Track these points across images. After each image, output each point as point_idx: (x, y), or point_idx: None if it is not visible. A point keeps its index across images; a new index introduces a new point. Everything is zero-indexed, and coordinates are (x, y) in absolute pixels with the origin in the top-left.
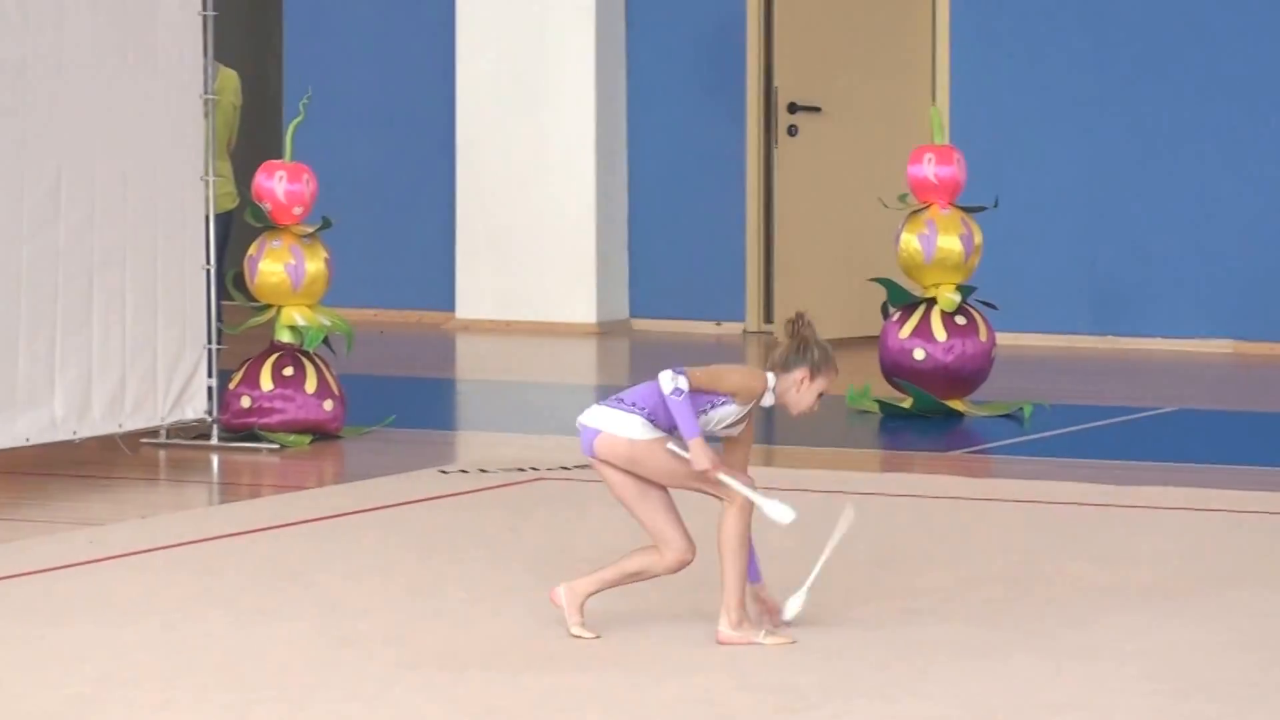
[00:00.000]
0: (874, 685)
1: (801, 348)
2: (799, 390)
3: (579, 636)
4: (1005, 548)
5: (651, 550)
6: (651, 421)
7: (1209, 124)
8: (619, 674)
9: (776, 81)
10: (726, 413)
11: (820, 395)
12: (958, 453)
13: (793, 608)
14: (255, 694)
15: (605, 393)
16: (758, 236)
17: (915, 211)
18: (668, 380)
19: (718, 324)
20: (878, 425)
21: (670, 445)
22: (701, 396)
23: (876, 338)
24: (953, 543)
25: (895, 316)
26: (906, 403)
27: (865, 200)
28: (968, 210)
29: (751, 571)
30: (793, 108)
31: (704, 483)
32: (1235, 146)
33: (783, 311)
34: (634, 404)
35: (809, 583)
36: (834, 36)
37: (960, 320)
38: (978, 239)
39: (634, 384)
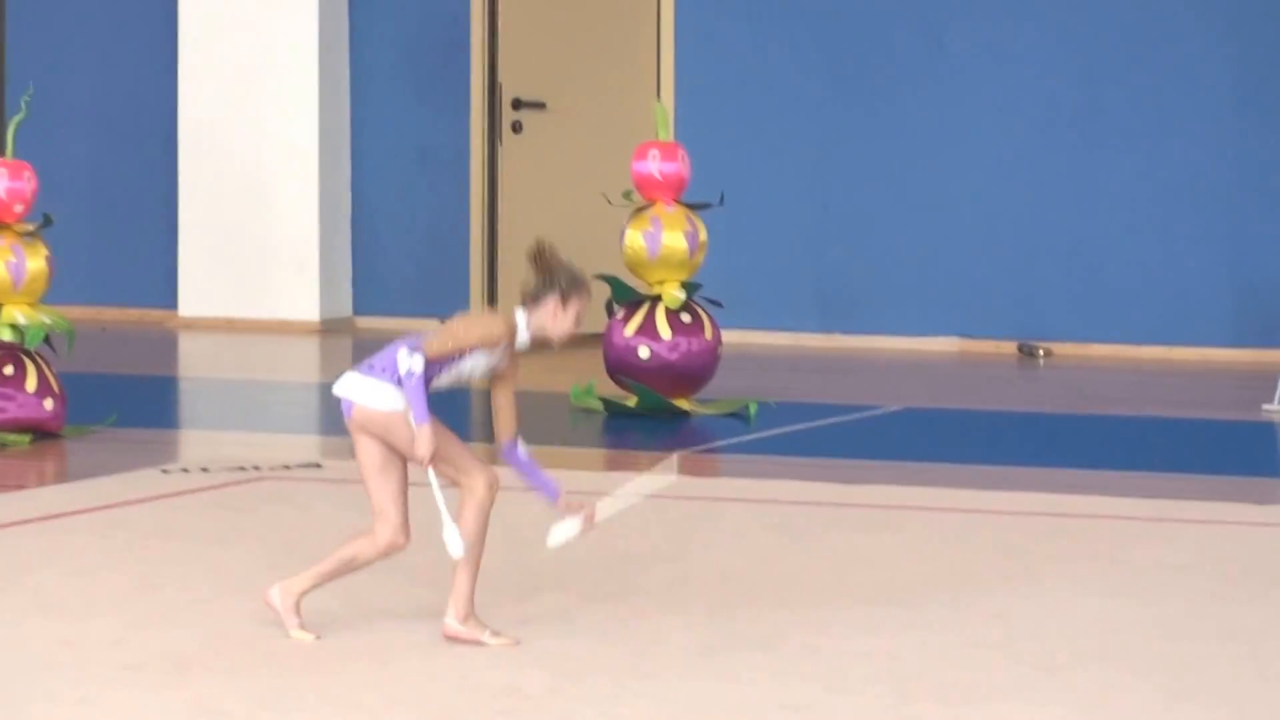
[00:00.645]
0: (597, 686)
1: (548, 277)
2: (555, 319)
3: (299, 639)
4: (731, 548)
5: (363, 535)
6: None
7: (935, 122)
8: (340, 673)
9: (501, 77)
10: (478, 363)
11: (578, 318)
12: (683, 451)
13: (560, 534)
14: None
15: (327, 393)
16: (481, 233)
17: (640, 208)
18: (404, 360)
19: (441, 320)
20: (602, 424)
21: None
22: (446, 362)
23: (601, 335)
24: (678, 542)
25: (620, 314)
26: (631, 401)
27: (590, 196)
28: (693, 207)
29: (549, 490)
30: (517, 104)
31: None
32: (961, 145)
33: (507, 307)
34: (384, 370)
35: (591, 516)
36: (558, 32)
37: (685, 318)
38: (703, 236)
39: None
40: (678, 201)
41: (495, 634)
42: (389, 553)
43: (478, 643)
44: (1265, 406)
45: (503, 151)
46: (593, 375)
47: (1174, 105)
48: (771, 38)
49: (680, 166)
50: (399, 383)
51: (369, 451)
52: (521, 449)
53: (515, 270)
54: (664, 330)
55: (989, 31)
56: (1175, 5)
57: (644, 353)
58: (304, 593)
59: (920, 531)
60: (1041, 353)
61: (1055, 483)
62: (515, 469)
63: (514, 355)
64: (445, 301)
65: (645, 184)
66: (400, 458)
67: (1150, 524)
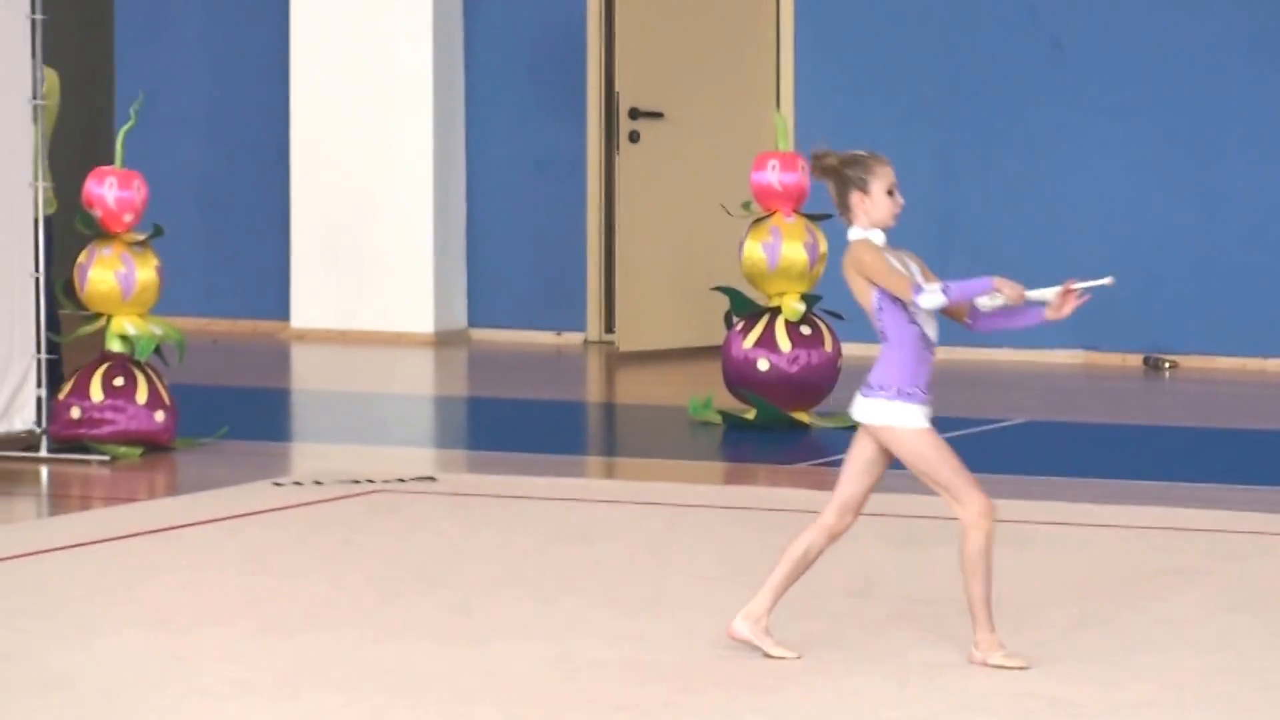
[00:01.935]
0: (716, 702)
1: (834, 180)
2: (870, 209)
3: (781, 657)
4: (847, 560)
5: (810, 527)
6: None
7: (1056, 128)
8: (457, 685)
9: (618, 86)
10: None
11: (891, 191)
12: (802, 465)
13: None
14: (80, 711)
15: (441, 405)
16: (598, 244)
17: (759, 219)
18: (927, 302)
19: (558, 334)
20: (721, 437)
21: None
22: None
23: (720, 348)
24: None
25: (739, 326)
26: (750, 414)
27: (709, 207)
28: (813, 218)
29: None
30: (634, 113)
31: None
32: (1084, 151)
33: (625, 321)
34: (879, 386)
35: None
36: (676, 41)
37: (805, 330)
38: (823, 248)
39: (470, 394)
40: (797, 212)
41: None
42: (836, 535)
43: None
44: None
45: (620, 161)
46: (711, 388)
47: None
48: (891, 45)
49: (800, 177)
50: (896, 395)
51: (863, 450)
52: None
53: (632, 283)
54: (783, 342)
55: (1109, 31)
56: None
57: (763, 365)
58: (768, 611)
59: (1044, 546)
60: (1167, 365)
61: (1181, 497)
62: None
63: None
64: (561, 315)
65: (764, 194)
66: (884, 466)
67: (1273, 538)
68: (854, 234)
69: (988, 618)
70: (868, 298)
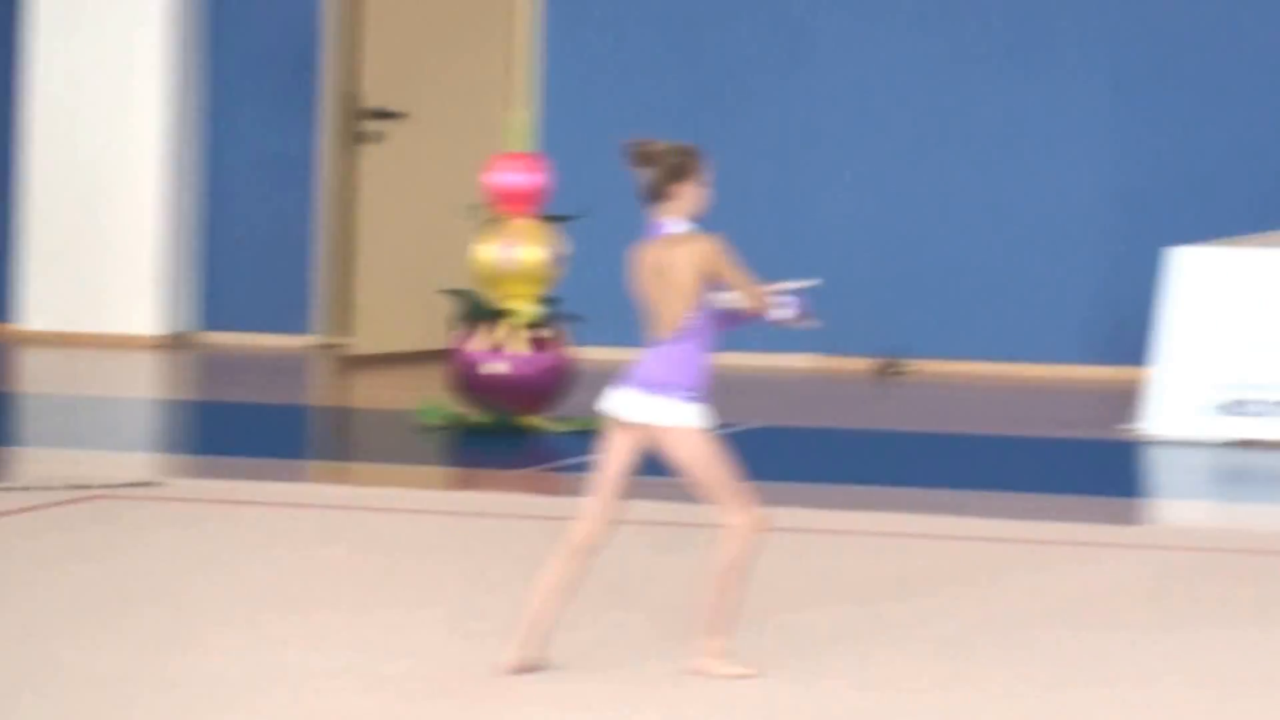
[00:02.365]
0: (440, 712)
1: (663, 168)
2: (689, 200)
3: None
4: (607, 567)
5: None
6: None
7: (797, 130)
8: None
9: (358, 86)
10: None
11: (706, 183)
12: (533, 469)
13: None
14: None
15: (170, 409)
16: (336, 247)
17: (496, 221)
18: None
19: (292, 337)
20: (452, 442)
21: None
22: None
23: (451, 350)
24: (526, 563)
25: (472, 329)
26: (483, 418)
27: (450, 208)
28: (551, 220)
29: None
30: (375, 113)
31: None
32: (822, 155)
33: (361, 325)
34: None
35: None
36: (418, 40)
37: (539, 334)
38: (561, 250)
39: (200, 398)
40: (536, 214)
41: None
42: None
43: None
44: (1122, 425)
45: (359, 162)
46: (442, 391)
47: (1045, 114)
48: (636, 45)
49: (539, 178)
50: (690, 396)
51: (626, 451)
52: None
53: (373, 286)
54: (517, 346)
55: (855, 34)
56: (1050, 16)
57: (496, 369)
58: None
59: (779, 553)
60: (900, 370)
61: (914, 502)
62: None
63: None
64: (297, 318)
65: (501, 196)
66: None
67: (1008, 545)
68: (676, 226)
69: (725, 626)
70: (692, 295)
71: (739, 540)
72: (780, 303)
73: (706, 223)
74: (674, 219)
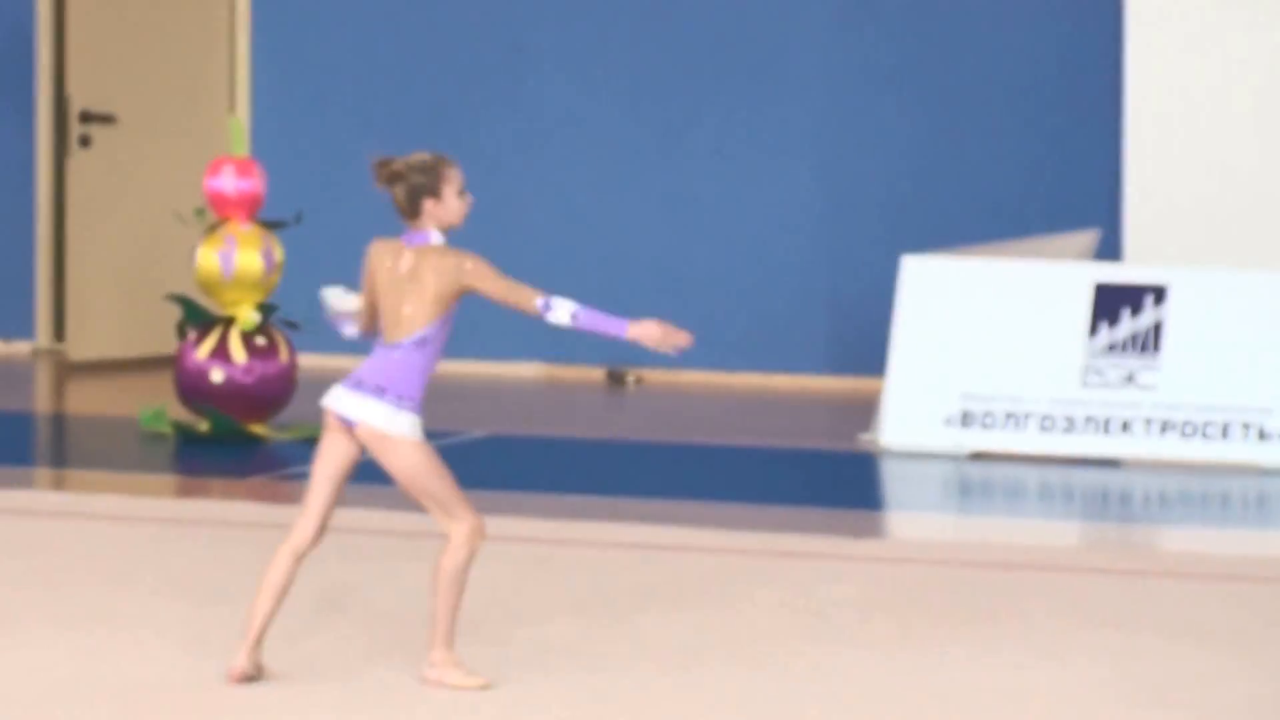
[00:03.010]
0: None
1: (406, 186)
2: (440, 214)
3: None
4: (304, 575)
5: (285, 550)
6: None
7: (516, 134)
8: None
9: (68, 89)
10: None
11: (461, 192)
12: (258, 478)
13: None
14: None
15: None
16: (49, 250)
17: (213, 227)
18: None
19: (6, 342)
20: (173, 449)
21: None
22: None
23: (173, 358)
24: (251, 572)
25: (192, 336)
26: (204, 426)
27: (164, 214)
28: (269, 226)
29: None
30: (85, 116)
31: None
32: (544, 159)
33: (75, 330)
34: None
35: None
36: (129, 43)
37: (261, 341)
38: (279, 256)
39: None
40: (253, 220)
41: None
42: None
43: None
44: (861, 435)
45: (70, 166)
46: (164, 399)
47: (769, 122)
48: (348, 48)
49: (256, 183)
50: (414, 407)
51: (341, 457)
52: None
53: (84, 291)
54: (238, 353)
55: (573, 40)
56: (770, 25)
57: (217, 376)
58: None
59: (499, 564)
60: (632, 379)
61: (643, 513)
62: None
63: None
64: (10, 323)
65: (219, 201)
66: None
67: (741, 556)
68: (435, 238)
69: (451, 634)
70: (441, 307)
71: (459, 548)
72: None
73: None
74: (431, 230)
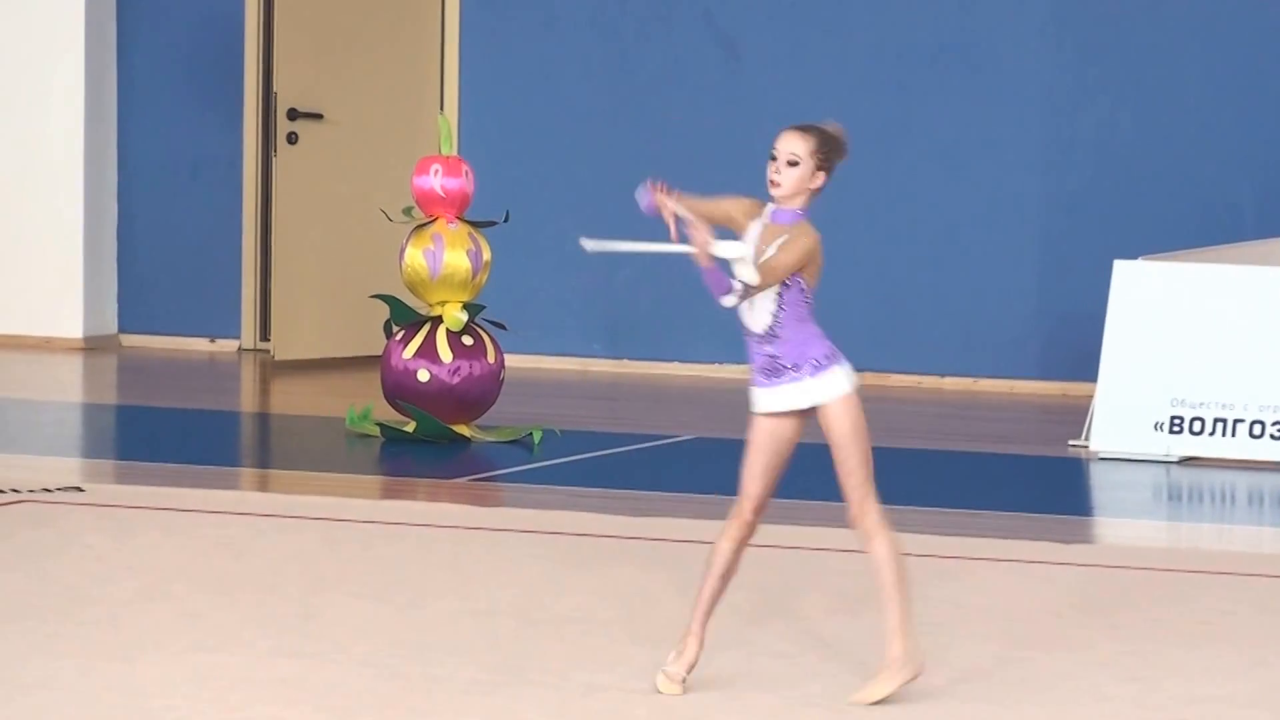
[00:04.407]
0: None
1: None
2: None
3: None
4: (512, 580)
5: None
6: None
7: (727, 136)
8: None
9: (276, 86)
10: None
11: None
12: (463, 479)
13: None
14: None
15: (90, 413)
16: (254, 249)
17: (421, 226)
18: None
19: (212, 340)
20: (379, 450)
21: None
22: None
23: (379, 357)
24: (457, 574)
25: (399, 335)
26: (410, 426)
27: (369, 212)
28: (476, 225)
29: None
30: (293, 114)
31: None
32: (753, 161)
33: (281, 329)
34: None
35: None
36: (337, 40)
37: (467, 340)
38: (486, 255)
39: (121, 402)
40: (461, 219)
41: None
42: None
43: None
44: (1071, 442)
45: (278, 164)
46: (370, 399)
47: (983, 125)
48: (560, 48)
49: (464, 182)
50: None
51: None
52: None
53: (289, 290)
54: (444, 353)
55: (785, 39)
56: (989, 18)
57: (423, 376)
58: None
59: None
60: None
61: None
62: None
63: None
64: (216, 321)
65: (427, 200)
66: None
67: (951, 562)
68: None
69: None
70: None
71: (884, 536)
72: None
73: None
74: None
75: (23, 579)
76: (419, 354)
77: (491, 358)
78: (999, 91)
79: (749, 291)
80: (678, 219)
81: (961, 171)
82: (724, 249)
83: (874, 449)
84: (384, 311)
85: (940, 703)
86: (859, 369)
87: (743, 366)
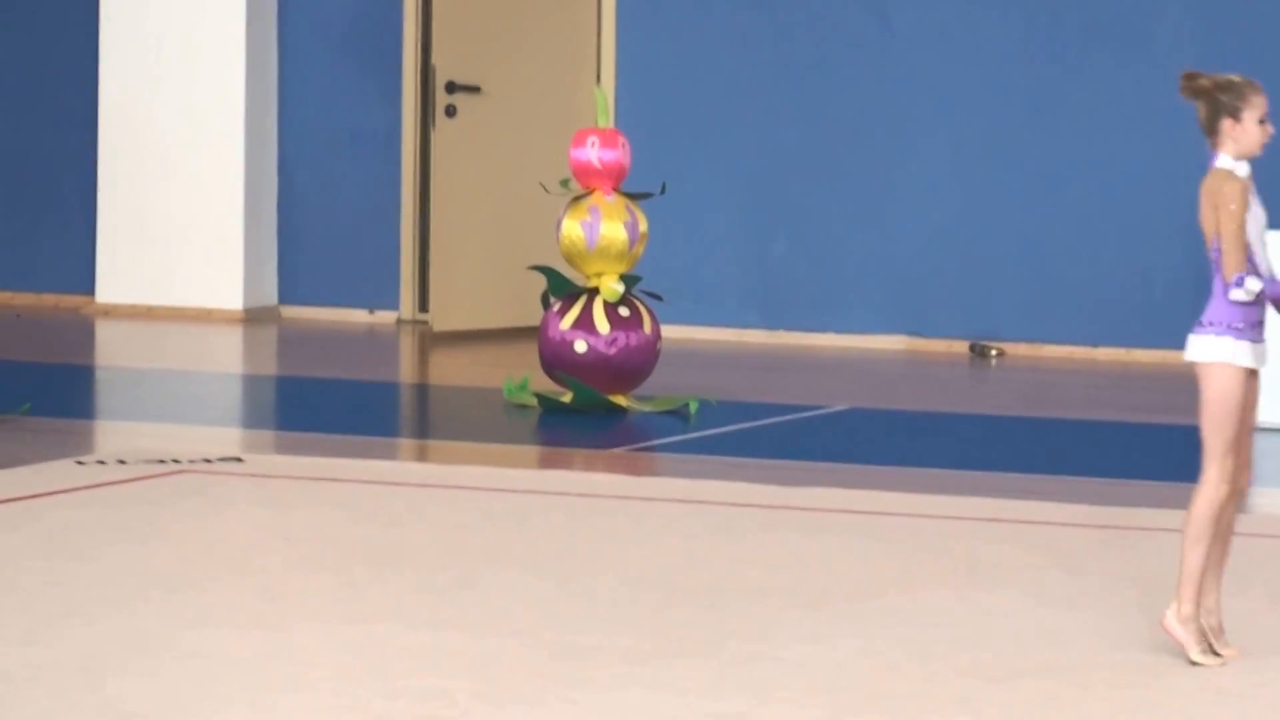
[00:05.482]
0: (525, 694)
1: (1209, 103)
2: (1237, 137)
3: (1199, 664)
4: (668, 550)
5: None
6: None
7: (883, 108)
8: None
9: (434, 59)
10: (1255, 228)
11: (1263, 120)
12: (620, 450)
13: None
14: None
15: (249, 384)
16: (413, 221)
17: (578, 197)
18: (1236, 296)
19: (371, 312)
20: (536, 420)
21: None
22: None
23: (536, 328)
24: (614, 544)
25: (556, 307)
26: (567, 397)
27: (527, 184)
28: (633, 197)
29: None
30: (451, 87)
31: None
32: (910, 133)
33: (439, 300)
34: (1209, 323)
35: None
36: (494, 14)
37: (624, 312)
38: (643, 227)
39: (280, 373)
40: (617, 191)
41: (1207, 651)
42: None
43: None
44: None
45: (436, 136)
46: (527, 370)
47: (1135, 91)
48: (716, 20)
49: (620, 154)
50: (1224, 330)
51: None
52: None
53: (447, 261)
54: (601, 324)
55: (940, 11)
56: None
57: (580, 347)
58: (1195, 613)
59: (864, 536)
60: (994, 353)
61: (1005, 487)
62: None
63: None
64: (375, 293)
65: (583, 172)
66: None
67: (1102, 531)
68: (1221, 161)
69: (1187, 589)
70: (1209, 227)
71: (1196, 496)
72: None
73: (786, 196)
74: (1221, 153)
75: (182, 548)
76: (576, 325)
77: (648, 329)
78: (1154, 60)
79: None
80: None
81: (1114, 139)
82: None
83: (1057, 421)
84: (541, 283)
85: (1084, 672)
86: (1015, 338)
87: (896, 336)
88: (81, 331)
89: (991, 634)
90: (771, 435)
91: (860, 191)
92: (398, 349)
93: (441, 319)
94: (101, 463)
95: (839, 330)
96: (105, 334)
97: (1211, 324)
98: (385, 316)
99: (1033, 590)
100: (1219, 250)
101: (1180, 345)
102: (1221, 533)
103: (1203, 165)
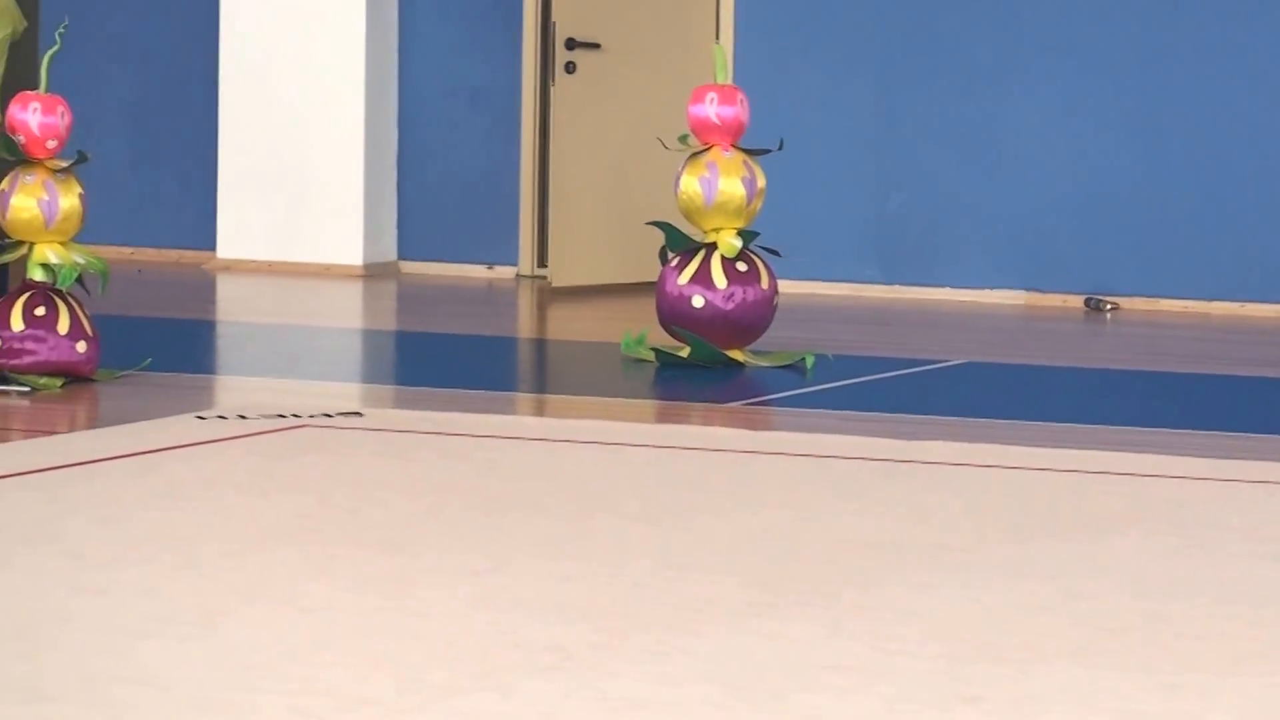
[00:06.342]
0: (641, 643)
1: None
2: None
3: None
4: (785, 503)
5: None
6: None
7: (1000, 63)
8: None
9: (554, 16)
10: None
11: None
12: (737, 404)
13: None
14: None
15: (369, 339)
16: (532, 177)
17: (696, 153)
18: None
19: (489, 268)
20: (653, 375)
21: None
22: None
23: (654, 284)
24: (730, 497)
25: (674, 262)
26: (684, 351)
27: (645, 140)
28: (751, 153)
29: None
30: (570, 44)
31: None
32: (1026, 87)
33: (558, 256)
34: None
35: None
36: None
37: (741, 267)
38: (761, 183)
39: (399, 328)
40: (735, 146)
41: None
42: None
43: None
44: None
45: (555, 93)
46: (645, 325)
47: (1250, 38)
48: None
49: (739, 110)
50: None
51: None
52: None
53: (566, 217)
54: (719, 279)
55: None
56: None
57: (698, 302)
58: None
59: (980, 489)
60: (1109, 307)
61: (1120, 440)
62: None
63: None
64: (494, 248)
65: (702, 128)
66: None
67: (1218, 484)
68: None
69: None
70: None
71: None
72: None
73: (902, 153)
74: None
75: (302, 502)
76: (694, 280)
77: (765, 284)
78: (1267, 14)
79: None
80: None
81: (1229, 92)
82: None
83: (1172, 375)
84: (659, 238)
85: (1201, 624)
86: (1131, 293)
87: (1016, 291)
88: (202, 287)
89: (1104, 586)
90: (888, 390)
91: (975, 145)
92: (516, 304)
93: (560, 274)
94: (222, 418)
95: (955, 285)
96: (225, 289)
97: None
98: (504, 272)
99: (1146, 543)
100: None
101: None
102: None
103: None
